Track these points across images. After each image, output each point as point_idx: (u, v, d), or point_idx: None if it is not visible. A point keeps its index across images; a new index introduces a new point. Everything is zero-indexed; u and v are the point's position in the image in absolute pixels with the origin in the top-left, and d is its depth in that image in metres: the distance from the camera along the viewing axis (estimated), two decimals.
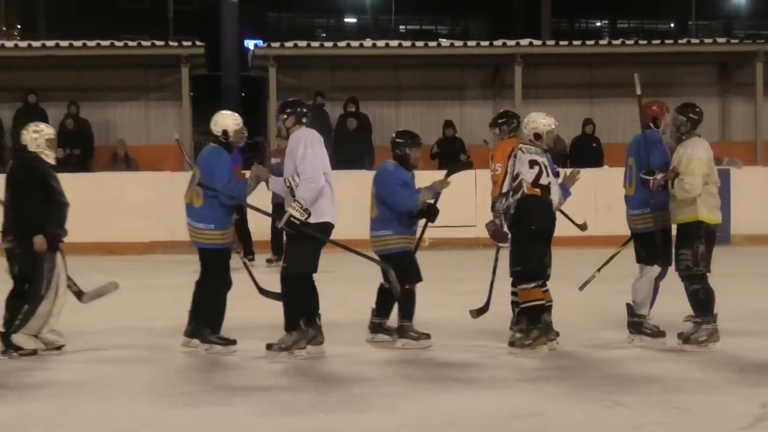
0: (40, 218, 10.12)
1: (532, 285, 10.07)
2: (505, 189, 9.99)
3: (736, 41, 25.85)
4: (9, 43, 27.30)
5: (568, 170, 10.68)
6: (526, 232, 10.03)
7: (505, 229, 10.04)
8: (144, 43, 22.77)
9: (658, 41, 24.79)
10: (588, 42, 24.53)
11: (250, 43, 26.44)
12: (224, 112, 10.72)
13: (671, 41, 25.38)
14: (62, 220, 10.36)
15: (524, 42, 22.76)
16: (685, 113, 10.25)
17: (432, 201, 10.70)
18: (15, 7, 50.98)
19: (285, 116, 10.06)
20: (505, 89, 22.22)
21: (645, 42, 24.41)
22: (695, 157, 9.96)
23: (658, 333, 10.51)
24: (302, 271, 9.96)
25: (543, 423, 7.68)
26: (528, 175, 9.98)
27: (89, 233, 16.67)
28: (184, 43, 21.98)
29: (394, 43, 23.80)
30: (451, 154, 20.24)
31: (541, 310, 10.14)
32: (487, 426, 7.58)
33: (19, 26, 51.78)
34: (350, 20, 64.77)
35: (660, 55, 23.14)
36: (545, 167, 10.09)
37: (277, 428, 7.50)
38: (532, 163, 10.01)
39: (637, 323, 10.54)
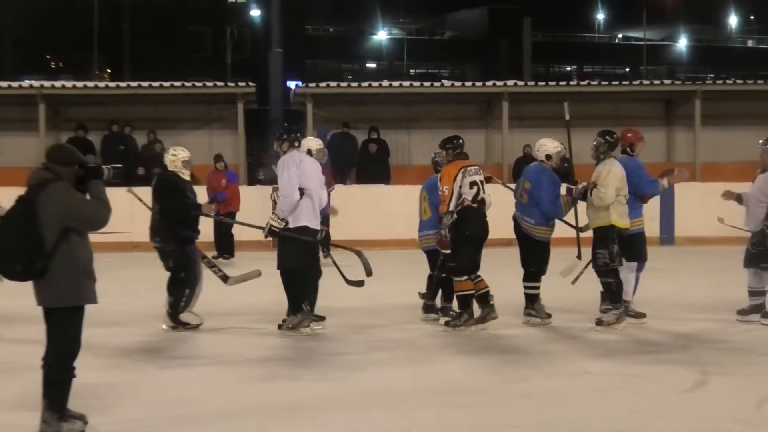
0: (177, 222, 10.19)
1: (464, 278, 10.01)
2: (452, 208, 9.86)
3: (679, 82, 25.75)
4: (101, 83, 27.44)
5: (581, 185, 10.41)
6: (462, 236, 9.93)
7: (449, 238, 9.94)
8: (208, 83, 22.78)
9: (616, 82, 24.67)
10: (561, 83, 24.48)
11: (291, 84, 26.36)
12: (309, 137, 10.83)
13: (627, 82, 25.20)
14: (194, 223, 10.38)
15: (510, 83, 22.72)
16: (604, 138, 10.20)
17: None
18: (106, 54, 51.12)
19: (281, 142, 10.00)
20: (495, 120, 22.16)
21: (606, 83, 24.29)
22: (611, 173, 9.90)
23: (639, 314, 10.41)
24: (291, 267, 9.83)
25: (529, 387, 7.68)
26: (468, 194, 9.92)
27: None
28: (240, 84, 21.95)
29: (406, 83, 23.79)
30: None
31: (471, 298, 10.07)
32: (483, 390, 7.58)
33: (108, 70, 51.89)
34: (371, 65, 64.91)
35: (618, 93, 23.08)
36: (481, 185, 10.06)
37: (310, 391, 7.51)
38: (472, 184, 9.95)
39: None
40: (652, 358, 8.76)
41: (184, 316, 10.23)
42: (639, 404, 7.08)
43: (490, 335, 9.89)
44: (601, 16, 73.44)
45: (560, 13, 65.26)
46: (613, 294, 10.04)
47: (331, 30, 65.56)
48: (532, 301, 10.49)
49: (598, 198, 9.91)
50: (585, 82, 24.71)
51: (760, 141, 10.54)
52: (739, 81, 23.80)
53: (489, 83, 22.76)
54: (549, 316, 10.45)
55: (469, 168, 10.05)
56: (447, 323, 10.16)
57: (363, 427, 6.51)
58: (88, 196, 6.21)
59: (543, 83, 24.38)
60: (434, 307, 10.70)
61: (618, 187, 9.89)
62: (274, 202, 9.83)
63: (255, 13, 53.10)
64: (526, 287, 10.52)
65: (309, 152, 10.46)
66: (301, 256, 9.81)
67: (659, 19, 65.18)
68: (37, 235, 5.99)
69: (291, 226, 9.72)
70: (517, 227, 10.56)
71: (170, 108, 21.98)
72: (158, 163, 19.99)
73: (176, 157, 10.45)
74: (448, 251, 10.03)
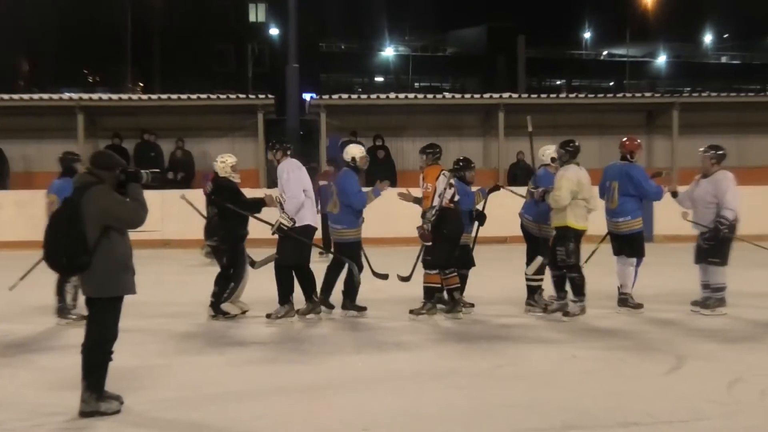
0: (232, 222, 10.23)
1: (435, 272, 10.07)
2: (434, 203, 9.92)
3: (659, 95, 25.70)
4: (134, 96, 27.50)
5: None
6: (440, 234, 9.96)
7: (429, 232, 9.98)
8: (231, 96, 22.84)
9: (602, 95, 24.63)
10: (552, 95, 24.49)
11: (307, 96, 26.37)
12: (352, 144, 10.87)
13: (611, 95, 25.17)
14: (245, 223, 10.39)
15: (506, 95, 22.68)
16: (564, 148, 10.22)
17: (481, 208, 10.76)
18: (138, 69, 51.31)
19: (275, 151, 10.07)
20: (492, 129, 22.15)
21: (592, 95, 24.27)
22: (565, 178, 9.92)
23: (637, 305, 10.44)
24: (290, 263, 9.90)
25: (520, 370, 7.71)
26: (447, 194, 9.98)
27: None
28: (260, 96, 21.96)
29: (411, 95, 23.75)
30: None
31: (436, 291, 10.13)
32: (480, 373, 7.61)
33: (141, 83, 52.00)
34: (379, 79, 64.87)
35: (603, 104, 23.03)
36: (456, 188, 10.11)
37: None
38: (450, 185, 10.02)
39: (623, 299, 10.48)
40: (633, 343, 8.78)
41: (225, 306, 10.28)
42: (621, 385, 7.11)
43: (486, 323, 9.91)
44: (588, 35, 73.36)
45: (552, 32, 65.20)
46: (576, 287, 10.05)
47: (343, 47, 65.57)
48: (533, 291, 10.54)
49: (554, 200, 9.94)
50: (573, 95, 24.77)
51: (701, 149, 10.54)
52: (713, 93, 23.66)
53: (487, 95, 22.75)
54: (545, 307, 10.44)
55: (445, 172, 10.10)
56: (411, 311, 10.16)
57: (371, 407, 6.54)
58: (128, 198, 6.33)
59: (536, 95, 24.42)
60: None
61: (573, 191, 9.88)
62: (280, 204, 9.85)
63: (274, 31, 53.20)
64: (530, 279, 10.54)
65: (353, 159, 10.48)
66: (299, 253, 9.91)
67: (641, 37, 65.02)
68: (81, 232, 6.13)
69: (297, 225, 9.83)
70: (525, 226, 10.60)
71: (196, 118, 21.99)
72: (182, 167, 20.39)
73: (225, 163, 10.49)
74: (429, 243, 10.03)
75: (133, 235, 6.46)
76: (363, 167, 10.60)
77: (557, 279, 10.21)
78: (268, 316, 10.03)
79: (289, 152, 10.14)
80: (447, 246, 10.07)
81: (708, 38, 76.13)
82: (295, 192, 9.82)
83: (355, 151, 10.60)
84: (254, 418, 6.29)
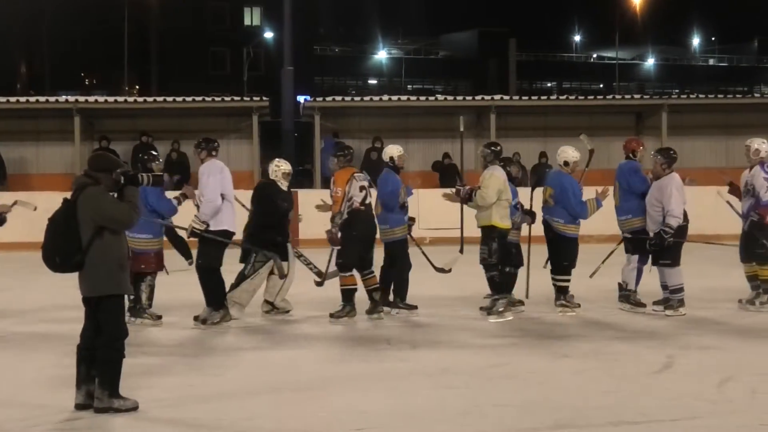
0: (265, 225, 10.14)
1: (349, 274, 9.93)
2: (343, 208, 9.78)
3: (648, 97, 25.78)
4: (130, 98, 27.41)
5: (600, 188, 10.50)
6: (350, 236, 9.84)
7: (339, 236, 9.88)
8: (226, 98, 22.80)
9: (591, 97, 24.76)
10: (542, 97, 24.53)
11: (301, 98, 26.33)
12: (391, 145, 10.76)
13: (601, 97, 25.29)
14: (282, 228, 10.31)
15: (497, 97, 22.72)
16: (489, 149, 10.21)
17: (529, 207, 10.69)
18: (135, 72, 51.29)
19: (200, 150, 9.88)
20: (484, 131, 22.12)
21: (582, 97, 24.39)
22: (493, 177, 9.88)
23: (639, 303, 10.36)
24: (209, 265, 9.64)
25: (513, 370, 7.66)
26: (358, 197, 9.83)
27: None
28: (255, 99, 21.97)
29: (404, 97, 23.80)
30: (450, 174, 20.27)
31: (353, 292, 9.96)
32: (473, 372, 7.56)
33: (137, 86, 51.96)
34: (372, 81, 64.91)
35: (593, 106, 23.08)
36: (368, 190, 10.02)
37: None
38: (362, 188, 9.89)
39: (625, 296, 10.37)
40: (623, 342, 8.74)
41: (228, 301, 10.10)
42: (612, 384, 7.07)
43: (478, 324, 9.85)
44: (578, 38, 73.55)
45: (542, 36, 65.39)
46: (496, 285, 10.02)
47: (336, 50, 65.65)
48: (563, 292, 10.43)
49: (481, 198, 9.89)
50: (564, 97, 24.81)
51: (652, 152, 10.46)
52: (701, 95, 23.71)
53: (478, 97, 22.79)
54: (578, 305, 10.35)
55: (358, 174, 9.99)
56: (331, 315, 9.97)
57: (364, 407, 6.48)
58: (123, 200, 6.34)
59: (527, 98, 24.54)
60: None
61: (500, 190, 9.84)
62: (197, 206, 9.69)
63: (269, 35, 53.17)
64: (558, 280, 10.42)
65: (391, 159, 10.39)
66: (219, 256, 9.66)
67: (630, 40, 65.19)
68: (75, 232, 6.18)
69: (213, 228, 9.54)
70: (548, 228, 10.45)
71: (192, 120, 21.95)
72: (177, 170, 20.34)
73: (278, 168, 10.41)
74: (338, 247, 9.95)
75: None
76: (401, 166, 10.50)
77: (492, 279, 10.08)
78: (195, 318, 9.72)
79: (214, 152, 9.89)
80: (358, 247, 9.92)
81: (696, 41, 76.44)
82: (212, 196, 9.54)
83: (393, 150, 10.49)
84: (247, 419, 6.23)
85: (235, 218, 9.83)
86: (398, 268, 10.34)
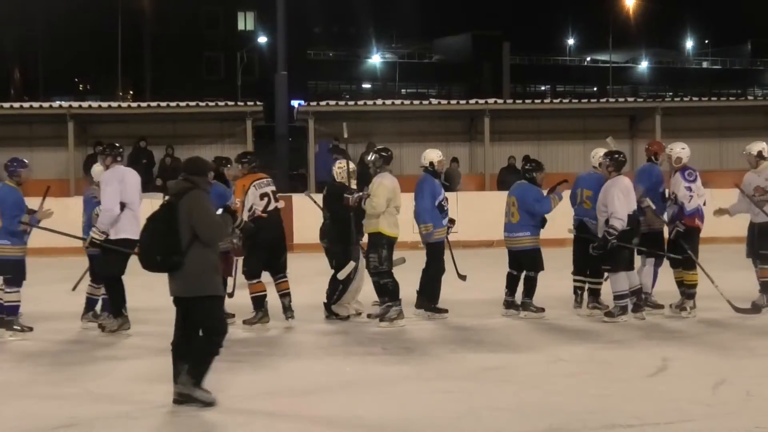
0: (343, 225, 10.15)
1: (255, 281, 9.84)
2: (244, 218, 9.64)
3: (641, 100, 25.82)
4: (124, 104, 27.44)
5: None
6: (254, 244, 9.77)
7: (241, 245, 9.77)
8: (220, 103, 22.76)
9: (585, 100, 24.78)
10: (536, 101, 24.50)
11: (295, 103, 26.33)
12: (430, 149, 10.73)
13: (595, 100, 25.31)
14: (358, 226, 10.27)
15: (491, 101, 22.73)
16: (379, 154, 10.16)
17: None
18: (129, 77, 51.27)
19: (104, 156, 9.76)
20: (477, 134, 22.14)
21: (576, 101, 24.35)
22: (382, 185, 9.82)
23: (657, 305, 10.35)
24: (111, 274, 9.50)
25: (506, 373, 7.67)
26: (259, 205, 9.75)
27: None
28: (249, 103, 21.92)
29: (398, 102, 23.78)
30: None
31: (263, 298, 9.87)
32: (468, 376, 7.57)
33: (131, 91, 51.93)
34: (366, 86, 64.96)
35: (587, 110, 23.10)
36: (272, 195, 9.92)
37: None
38: (263, 196, 9.79)
39: (644, 298, 10.25)
40: (618, 345, 8.75)
41: (336, 308, 10.26)
42: (607, 388, 7.07)
43: (472, 327, 9.84)
44: (571, 41, 73.65)
45: (536, 39, 65.47)
46: (388, 292, 9.92)
47: (330, 54, 65.66)
48: (597, 294, 10.41)
49: (371, 206, 9.82)
50: (558, 100, 24.75)
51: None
52: (695, 98, 23.85)
53: (472, 101, 22.79)
54: (607, 307, 10.24)
55: (260, 181, 9.92)
56: (244, 321, 9.84)
57: (358, 411, 6.49)
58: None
59: (520, 101, 24.47)
60: (514, 303, 10.44)
61: (389, 198, 9.79)
62: (96, 216, 9.61)
63: (262, 40, 53.21)
64: (593, 283, 10.38)
65: (431, 164, 10.39)
66: (119, 265, 9.48)
67: (624, 43, 65.28)
68: (176, 233, 6.40)
69: (113, 237, 9.38)
70: (584, 229, 10.33)
71: (187, 125, 21.94)
72: (171, 175, 20.30)
73: (342, 169, 10.45)
74: (242, 257, 9.87)
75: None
76: (440, 171, 10.51)
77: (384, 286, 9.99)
78: (103, 329, 9.61)
79: (119, 158, 9.73)
80: (263, 254, 9.88)
81: (689, 44, 76.56)
82: (108, 205, 9.36)
83: (432, 155, 10.49)
84: (241, 425, 6.23)
85: (139, 224, 9.33)
86: (432, 270, 10.33)
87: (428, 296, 10.38)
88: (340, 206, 10.19)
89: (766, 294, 10.38)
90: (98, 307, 10.14)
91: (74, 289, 10.58)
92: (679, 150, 10.22)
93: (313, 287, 11.05)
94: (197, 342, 6.55)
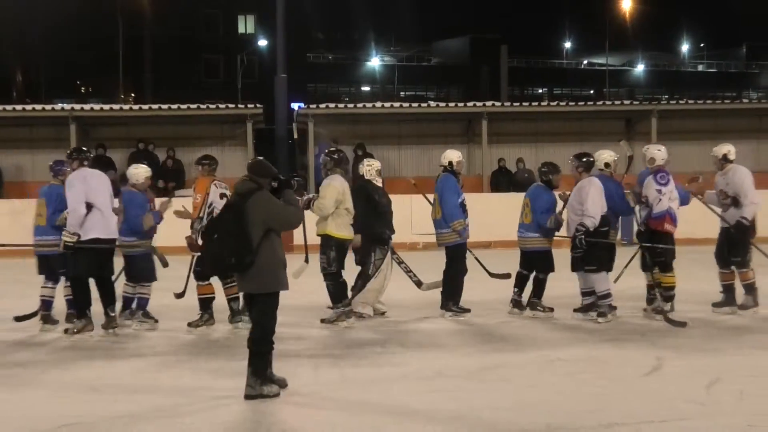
0: (371, 222, 10.25)
1: (206, 283, 9.83)
2: (203, 215, 9.67)
3: (637, 102, 25.78)
4: (125, 106, 27.45)
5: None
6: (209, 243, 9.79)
7: (199, 242, 9.65)
8: (221, 106, 22.86)
9: (582, 103, 24.77)
10: (533, 103, 24.55)
11: (295, 105, 26.34)
12: (450, 150, 10.81)
13: (591, 103, 25.30)
14: (387, 223, 10.40)
15: (489, 103, 22.74)
16: (330, 156, 10.20)
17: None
18: (130, 80, 51.24)
19: (71, 160, 9.75)
20: (475, 137, 22.17)
21: (573, 103, 24.37)
22: (331, 187, 9.86)
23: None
24: (79, 275, 9.51)
25: (505, 373, 7.70)
26: (219, 204, 9.64)
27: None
28: (249, 106, 21.95)
29: (396, 104, 23.79)
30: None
31: (211, 301, 9.88)
32: (467, 375, 7.60)
33: (132, 94, 51.92)
34: (365, 88, 64.94)
35: (584, 112, 23.11)
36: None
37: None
38: (222, 196, 9.74)
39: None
40: (613, 345, 8.78)
41: (355, 305, 10.29)
42: (604, 387, 7.11)
43: (470, 327, 9.89)
44: (568, 45, 73.67)
45: (533, 42, 65.51)
46: (333, 295, 9.96)
47: (330, 57, 65.63)
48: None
49: (318, 209, 9.85)
50: (555, 103, 24.82)
51: (570, 158, 10.41)
52: (690, 101, 23.86)
53: (470, 104, 22.79)
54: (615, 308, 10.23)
55: (218, 182, 9.94)
56: (188, 323, 9.86)
57: (359, 410, 6.53)
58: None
59: (518, 104, 24.54)
60: (521, 302, 10.50)
61: (338, 200, 9.81)
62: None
63: (262, 42, 53.16)
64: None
65: (450, 164, 10.47)
66: (90, 265, 9.47)
67: (620, 46, 65.34)
68: (247, 234, 6.56)
69: (84, 238, 9.35)
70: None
71: (187, 128, 21.97)
72: (172, 177, 20.34)
73: (371, 167, 10.56)
74: (198, 253, 9.78)
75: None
76: (460, 170, 10.56)
77: (328, 288, 10.00)
78: (66, 331, 9.62)
79: (86, 162, 9.74)
80: None
81: (685, 47, 76.62)
82: (73, 206, 9.36)
83: (452, 155, 10.56)
84: (241, 422, 6.28)
85: (108, 224, 9.58)
86: (454, 271, 10.37)
87: (450, 296, 10.39)
88: (370, 201, 10.29)
89: (750, 294, 10.44)
90: (133, 305, 10.19)
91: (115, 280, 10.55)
92: (655, 151, 10.19)
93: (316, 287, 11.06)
94: (254, 345, 6.74)
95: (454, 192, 10.35)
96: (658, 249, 9.99)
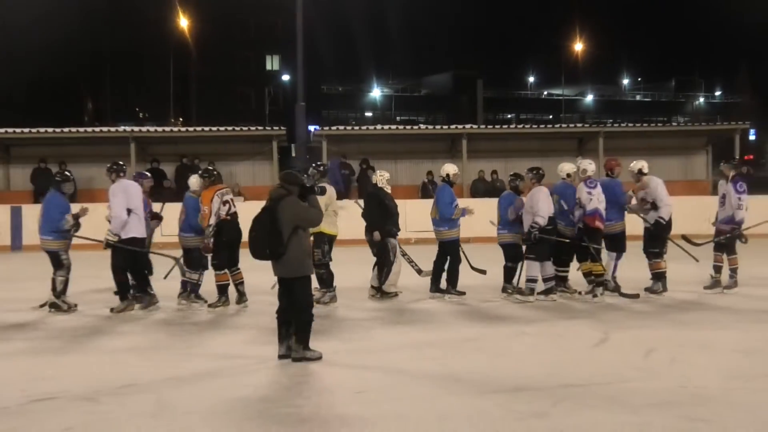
0: (381, 222, 10.23)
1: (222, 272, 9.74)
2: (212, 222, 9.54)
3: (587, 126, 25.76)
4: (175, 128, 27.37)
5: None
6: (220, 242, 9.61)
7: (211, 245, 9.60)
8: (251, 128, 22.80)
9: (543, 126, 24.75)
10: (504, 126, 24.54)
11: (311, 127, 26.31)
12: (448, 164, 10.73)
13: (551, 126, 25.25)
14: (394, 222, 10.34)
15: (468, 126, 22.71)
16: (316, 169, 10.10)
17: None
18: (179, 108, 51.23)
19: (110, 173, 9.65)
20: (457, 153, 22.09)
21: (536, 126, 24.38)
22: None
23: (617, 287, 10.23)
24: (119, 266, 9.44)
25: (482, 344, 7.64)
26: (222, 210, 9.57)
27: None
28: (274, 128, 21.99)
29: (393, 126, 23.84)
30: (433, 189, 20.30)
31: (227, 287, 9.77)
32: (448, 346, 7.54)
33: (180, 119, 51.88)
34: (368, 114, 64.94)
35: (544, 133, 23.11)
36: (231, 203, 9.72)
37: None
38: (225, 202, 9.62)
39: (605, 283, 10.14)
40: (568, 322, 8.72)
41: (386, 288, 10.26)
42: (561, 355, 7.08)
43: (455, 307, 9.81)
44: (532, 79, 73.65)
45: (504, 77, 65.60)
46: (323, 281, 9.86)
47: (340, 89, 65.61)
48: (564, 280, 10.37)
49: None
50: (521, 126, 24.77)
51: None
52: (630, 124, 23.76)
53: (453, 126, 22.76)
54: (576, 291, 10.23)
55: (221, 191, 9.77)
56: (209, 304, 9.76)
57: (363, 374, 6.48)
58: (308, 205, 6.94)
59: (492, 126, 24.50)
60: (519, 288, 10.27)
61: (326, 204, 9.62)
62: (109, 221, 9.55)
63: (285, 77, 53.13)
64: (560, 271, 10.31)
65: (447, 176, 10.39)
66: (127, 259, 9.45)
67: (573, 80, 65.35)
68: (279, 231, 6.72)
69: (123, 237, 9.35)
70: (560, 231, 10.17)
71: (224, 145, 21.90)
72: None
73: (382, 176, 10.51)
74: (211, 254, 9.74)
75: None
76: (455, 182, 10.49)
77: (319, 276, 9.80)
78: (112, 310, 9.49)
79: (122, 174, 9.65)
80: (227, 251, 9.71)
81: (625, 81, 76.60)
82: (117, 212, 9.33)
83: (449, 169, 10.50)
84: (270, 383, 6.20)
85: (143, 226, 9.60)
86: (452, 262, 10.31)
87: (450, 281, 10.34)
88: (380, 205, 10.22)
89: (659, 281, 10.31)
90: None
91: (165, 277, 10.53)
92: (587, 165, 10.24)
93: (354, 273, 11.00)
94: (296, 318, 6.79)
95: (449, 199, 10.26)
96: (590, 246, 9.93)
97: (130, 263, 9.54)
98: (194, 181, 10.15)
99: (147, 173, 10.49)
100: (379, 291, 10.36)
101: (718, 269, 10.73)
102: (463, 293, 10.30)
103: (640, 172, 10.49)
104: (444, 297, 10.29)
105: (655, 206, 10.32)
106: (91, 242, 9.97)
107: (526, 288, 10.03)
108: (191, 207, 10.00)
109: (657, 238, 10.33)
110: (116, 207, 9.39)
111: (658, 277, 10.38)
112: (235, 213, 9.83)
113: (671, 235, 10.58)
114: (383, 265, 10.31)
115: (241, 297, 9.87)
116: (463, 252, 10.54)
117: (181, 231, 10.04)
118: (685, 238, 10.95)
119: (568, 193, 10.17)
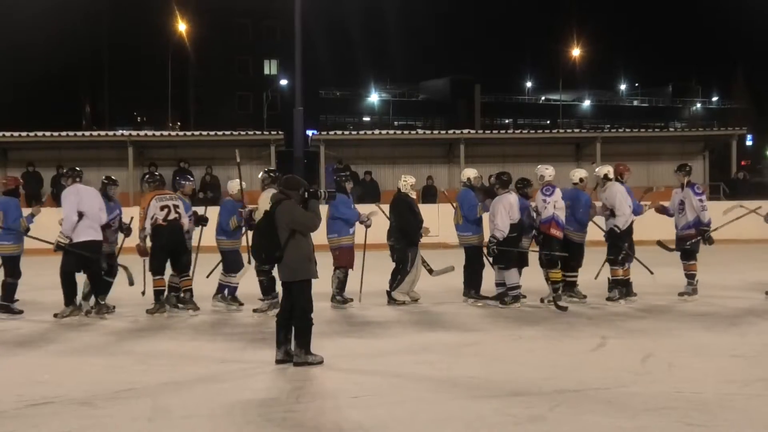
0: (412, 228, 10.22)
1: (159, 277, 9.52)
2: (146, 226, 9.45)
3: (585, 131, 25.84)
4: (173, 132, 27.40)
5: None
6: (156, 246, 9.47)
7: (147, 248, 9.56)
8: (249, 132, 22.80)
9: (540, 131, 24.74)
10: (501, 131, 24.58)
11: (309, 132, 26.33)
12: (468, 168, 10.66)
13: (548, 131, 25.27)
14: (418, 229, 10.28)
15: (465, 131, 22.82)
16: (267, 174, 9.98)
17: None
18: (177, 112, 51.25)
19: (66, 177, 9.61)
20: (455, 158, 22.19)
21: (533, 131, 24.39)
22: (268, 199, 9.63)
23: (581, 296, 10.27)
24: (68, 269, 9.30)
25: (479, 349, 7.65)
26: (160, 215, 9.41)
27: None
28: (272, 133, 21.99)
29: (391, 131, 23.84)
30: (432, 193, 20.44)
31: (162, 292, 9.56)
32: (446, 350, 7.54)
33: (179, 123, 51.91)
34: (366, 119, 64.93)
35: (541, 138, 23.18)
36: (172, 208, 9.50)
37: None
38: (163, 207, 9.45)
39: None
40: (565, 326, 8.73)
41: (395, 295, 10.24)
42: (558, 360, 7.07)
43: (452, 312, 9.80)
44: (529, 84, 73.74)
45: (501, 82, 65.70)
46: (263, 289, 9.65)
47: (337, 93, 65.62)
48: (573, 285, 10.30)
49: (257, 218, 9.47)
50: (518, 131, 24.82)
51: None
52: (627, 130, 23.89)
53: (450, 132, 22.86)
54: (585, 297, 10.20)
55: (161, 195, 9.61)
56: (147, 311, 9.58)
57: (360, 378, 6.47)
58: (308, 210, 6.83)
59: (489, 132, 24.55)
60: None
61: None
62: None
63: (283, 82, 53.14)
64: (568, 276, 10.22)
65: (468, 180, 10.30)
66: (77, 262, 9.32)
67: (571, 85, 65.41)
68: (275, 235, 6.72)
69: (75, 240, 9.22)
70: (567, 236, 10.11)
71: (222, 149, 21.94)
72: (211, 189, 20.29)
73: (407, 182, 10.45)
74: (146, 257, 9.62)
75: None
76: (477, 186, 10.38)
77: (262, 282, 9.62)
78: (55, 315, 9.35)
79: (78, 179, 9.53)
80: (163, 255, 9.50)
81: (623, 86, 76.69)
82: (67, 214, 9.19)
83: (469, 173, 10.41)
84: (268, 388, 6.20)
85: (96, 231, 9.36)
86: (473, 266, 10.24)
87: (473, 286, 10.26)
88: (404, 212, 10.21)
89: (617, 288, 10.20)
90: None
91: (208, 276, 10.56)
92: (543, 170, 10.13)
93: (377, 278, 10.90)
94: (297, 322, 6.76)
95: (474, 202, 10.17)
96: (551, 253, 9.88)
97: (82, 267, 9.41)
98: (233, 185, 10.21)
99: (189, 177, 10.45)
100: (389, 296, 10.30)
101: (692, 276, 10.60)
102: (487, 297, 10.17)
103: (606, 178, 10.38)
104: (478, 303, 10.13)
105: (613, 213, 10.18)
106: (45, 243, 9.75)
107: (509, 297, 9.92)
108: (224, 210, 10.08)
109: (612, 246, 10.22)
110: (67, 209, 9.31)
111: (616, 284, 10.23)
112: (175, 219, 9.55)
113: (643, 242, 10.38)
114: (398, 272, 10.28)
115: (188, 303, 9.72)
116: (423, 258, 10.52)
117: (216, 234, 10.09)
118: (660, 243, 10.89)
119: (578, 198, 10.14)
